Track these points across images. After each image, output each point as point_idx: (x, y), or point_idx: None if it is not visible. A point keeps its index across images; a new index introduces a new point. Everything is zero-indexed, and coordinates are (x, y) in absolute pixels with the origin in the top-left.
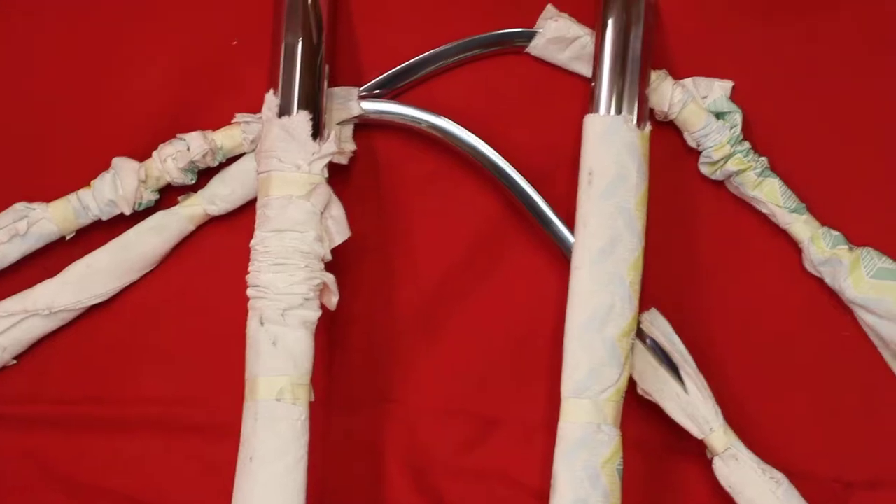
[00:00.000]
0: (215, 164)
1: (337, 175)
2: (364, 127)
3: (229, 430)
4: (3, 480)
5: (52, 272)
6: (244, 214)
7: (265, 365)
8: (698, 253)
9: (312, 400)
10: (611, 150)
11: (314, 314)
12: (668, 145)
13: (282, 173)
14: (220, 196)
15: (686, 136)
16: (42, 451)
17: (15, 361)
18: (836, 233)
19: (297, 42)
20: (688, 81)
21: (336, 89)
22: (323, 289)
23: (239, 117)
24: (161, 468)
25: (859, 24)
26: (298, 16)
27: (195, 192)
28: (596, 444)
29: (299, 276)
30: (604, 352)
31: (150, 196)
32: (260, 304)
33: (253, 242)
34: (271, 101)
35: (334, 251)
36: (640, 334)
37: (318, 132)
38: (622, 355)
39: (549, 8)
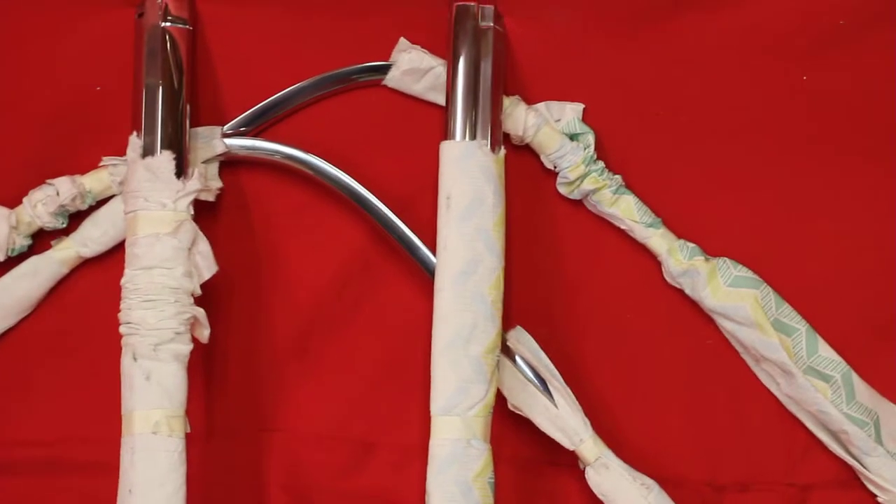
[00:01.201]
0: (85, 207)
1: (205, 212)
2: (230, 164)
3: (110, 466)
4: None
5: None
6: (116, 254)
7: (140, 399)
8: (562, 269)
9: (189, 431)
10: (466, 175)
11: (186, 347)
12: (525, 167)
13: (147, 212)
14: (91, 238)
15: (542, 158)
16: None
17: None
18: (692, 245)
19: (158, 86)
20: (541, 106)
21: (199, 129)
22: (194, 322)
23: (106, 160)
24: None
25: (702, 39)
26: (158, 61)
27: (67, 235)
28: (466, 458)
29: (169, 311)
30: (469, 369)
31: (22, 241)
32: (132, 340)
33: (123, 280)
34: (135, 142)
35: (205, 286)
36: (508, 351)
37: (181, 171)
38: (488, 372)
39: (403, 41)
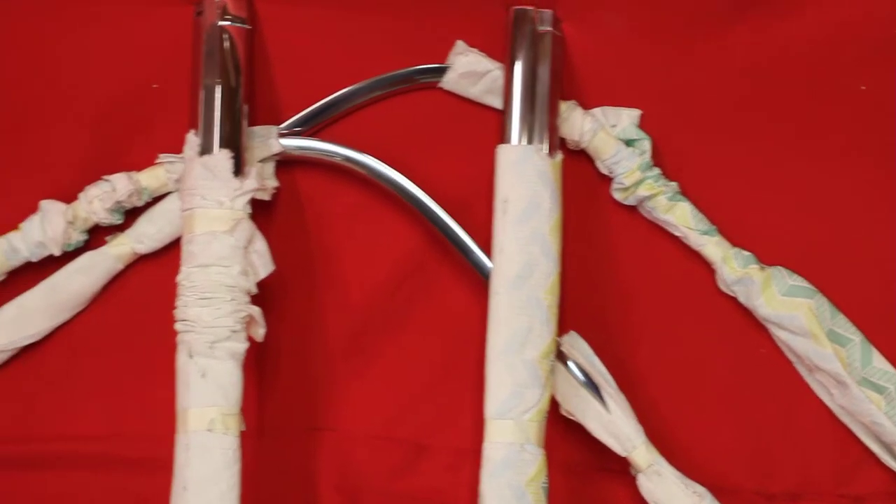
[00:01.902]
0: (141, 203)
1: (261, 211)
2: (286, 164)
3: (162, 463)
4: None
5: None
6: (171, 251)
7: (195, 397)
8: (616, 275)
9: (243, 429)
10: (524, 179)
11: (242, 346)
12: (581, 173)
13: (205, 210)
14: (147, 235)
15: (598, 163)
16: None
17: None
18: (746, 253)
19: (216, 85)
20: (597, 111)
21: (256, 128)
22: (249, 321)
23: (162, 157)
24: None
25: (759, 47)
26: (216, 60)
27: (123, 231)
28: (520, 463)
29: (225, 309)
30: (525, 373)
31: (78, 237)
32: (188, 338)
33: (179, 278)
34: (193, 140)
35: (262, 284)
36: (562, 356)
37: (239, 170)
38: (543, 376)
39: (460, 44)
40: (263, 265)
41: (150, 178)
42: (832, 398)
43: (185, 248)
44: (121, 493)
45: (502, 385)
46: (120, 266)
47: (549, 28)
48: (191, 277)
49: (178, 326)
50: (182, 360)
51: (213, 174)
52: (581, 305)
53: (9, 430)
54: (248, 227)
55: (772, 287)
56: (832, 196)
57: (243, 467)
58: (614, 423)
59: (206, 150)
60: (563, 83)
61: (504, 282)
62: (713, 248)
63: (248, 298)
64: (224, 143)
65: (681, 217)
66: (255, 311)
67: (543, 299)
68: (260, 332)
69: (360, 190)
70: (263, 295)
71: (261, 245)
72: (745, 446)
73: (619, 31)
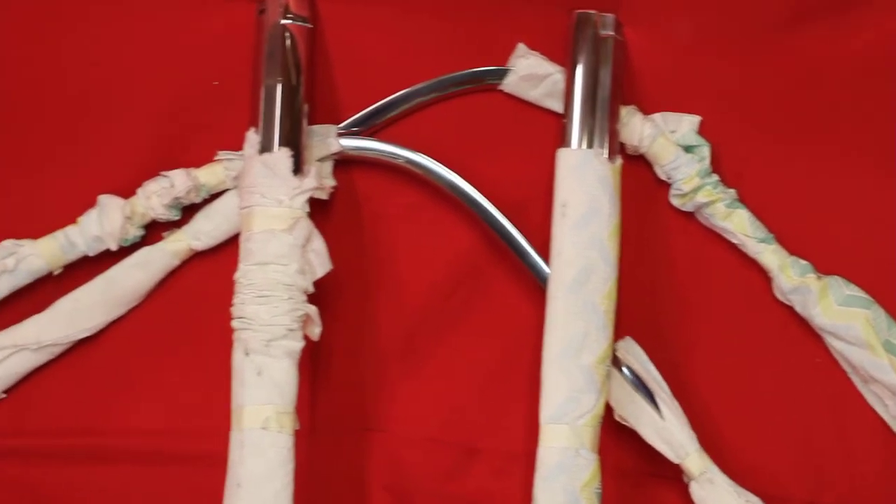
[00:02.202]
0: (199, 200)
1: (318, 210)
2: (344, 163)
3: (216, 459)
4: None
5: (41, 307)
6: (228, 249)
7: (251, 394)
8: (673, 282)
9: (297, 428)
10: (583, 183)
11: (298, 345)
12: (639, 178)
13: (264, 208)
14: (204, 231)
15: (656, 169)
16: (32, 482)
17: (4, 395)
18: (804, 262)
19: (277, 83)
20: (657, 116)
21: (315, 127)
22: (306, 320)
23: (221, 155)
24: (149, 498)
25: (820, 55)
26: (278, 58)
27: (180, 227)
28: (574, 468)
29: (283, 307)
30: (580, 378)
31: (135, 232)
32: (245, 336)
33: (237, 275)
34: (253, 138)
35: (317, 283)
36: (616, 362)
37: (298, 168)
38: (598, 382)
39: (521, 46)
40: (321, 264)
41: (209, 175)
42: (887, 409)
43: (244, 246)
44: (176, 488)
45: (558, 389)
46: (176, 262)
47: (611, 32)
48: (248, 275)
49: (234, 324)
50: (238, 357)
51: (272, 172)
52: (637, 311)
53: (64, 424)
54: (306, 225)
55: (829, 296)
56: (892, 207)
57: (296, 466)
58: (668, 430)
59: (265, 148)
60: (623, 88)
61: (561, 286)
62: (770, 255)
63: (304, 297)
64: (284, 142)
65: (738, 224)
66: (312, 309)
67: (600, 304)
68: (316, 332)
69: (417, 191)
70: (319, 294)
71: (319, 244)
72: (798, 456)
73: (681, 36)
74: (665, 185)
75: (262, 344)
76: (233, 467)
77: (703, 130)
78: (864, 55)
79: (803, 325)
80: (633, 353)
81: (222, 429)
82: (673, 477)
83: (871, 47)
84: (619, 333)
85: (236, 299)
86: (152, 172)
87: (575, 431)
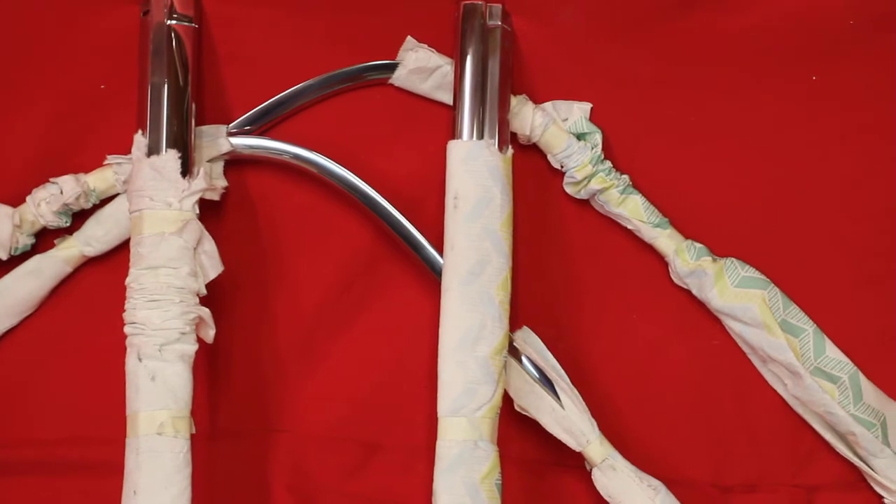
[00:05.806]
0: (89, 205)
1: (211, 211)
2: (235, 163)
3: (114, 466)
4: None
5: None
6: (120, 254)
7: (145, 400)
8: (569, 270)
9: (193, 432)
10: (474, 174)
11: (191, 348)
12: (533, 167)
13: (153, 211)
14: (95, 237)
15: (549, 157)
16: None
17: None
18: (699, 245)
19: (163, 84)
20: (548, 105)
21: (204, 127)
22: (199, 322)
23: (110, 159)
24: None
25: (709, 38)
26: (163, 59)
27: (71, 234)
28: (474, 460)
29: (174, 311)
30: (477, 370)
31: (25, 240)
32: (137, 341)
33: (128, 280)
34: (140, 141)
35: (211, 285)
36: (515, 352)
37: (187, 170)
38: (495, 373)
39: (410, 40)
40: (212, 266)
41: (98, 180)
42: (786, 389)
43: (134, 250)
44: (78, 497)
45: (454, 382)
46: (68, 269)
47: (499, 22)
48: (139, 279)
49: (127, 329)
50: (132, 363)
51: (160, 175)
52: (534, 300)
53: None
54: (196, 227)
55: (724, 278)
56: (784, 186)
57: (195, 471)
58: (568, 419)
59: (153, 150)
60: (513, 77)
61: (456, 278)
62: (665, 240)
63: (196, 300)
64: (171, 144)
65: (633, 210)
66: (205, 312)
67: (495, 295)
68: (210, 334)
69: (310, 189)
70: (213, 296)
71: (209, 246)
72: (700, 439)
73: (569, 24)
74: (559, 174)
75: (155, 348)
76: (129, 474)
77: (593, 117)
78: (750, 36)
79: (701, 308)
80: (531, 343)
81: (120, 436)
82: (577, 466)
83: (756, 28)
84: (516, 323)
85: (128, 304)
86: (42, 179)
87: (473, 424)
